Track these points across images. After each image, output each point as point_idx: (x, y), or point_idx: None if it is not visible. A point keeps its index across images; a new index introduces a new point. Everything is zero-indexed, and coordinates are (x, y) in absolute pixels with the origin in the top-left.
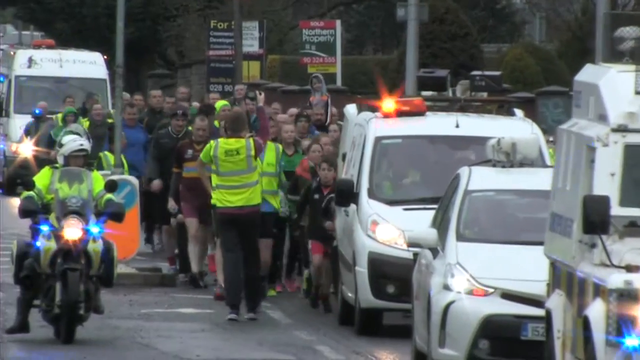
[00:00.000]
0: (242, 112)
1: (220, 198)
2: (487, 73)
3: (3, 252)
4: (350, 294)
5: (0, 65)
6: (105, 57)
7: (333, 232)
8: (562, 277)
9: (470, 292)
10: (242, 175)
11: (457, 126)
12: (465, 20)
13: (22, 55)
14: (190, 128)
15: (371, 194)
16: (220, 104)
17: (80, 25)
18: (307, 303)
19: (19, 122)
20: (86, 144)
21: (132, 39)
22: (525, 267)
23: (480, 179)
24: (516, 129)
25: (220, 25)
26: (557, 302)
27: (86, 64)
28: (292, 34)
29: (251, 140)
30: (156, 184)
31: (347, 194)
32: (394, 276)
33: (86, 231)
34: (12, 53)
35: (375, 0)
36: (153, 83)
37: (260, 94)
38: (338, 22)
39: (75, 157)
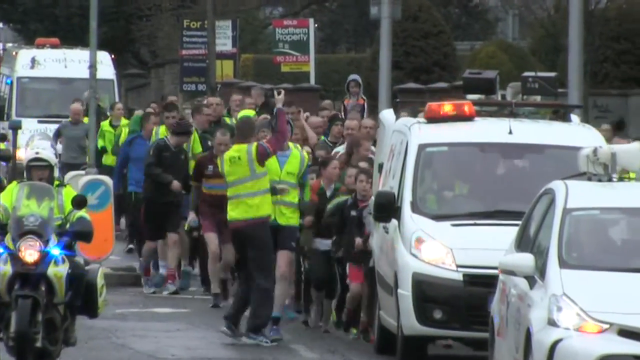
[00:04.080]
0: (251, 118)
1: (228, 212)
2: (540, 74)
3: None
4: (390, 320)
5: (2, 65)
6: (112, 56)
7: (366, 249)
8: None
9: (580, 329)
10: (245, 183)
11: (510, 132)
12: (439, 18)
13: (24, 56)
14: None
15: (415, 208)
16: (244, 113)
17: (53, 26)
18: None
19: (22, 126)
20: (45, 153)
21: (105, 39)
22: None
23: (580, 195)
24: (576, 136)
25: (193, 25)
26: None
27: None
28: (265, 33)
29: (254, 144)
30: (176, 184)
31: (388, 208)
32: (442, 300)
33: (45, 253)
34: (14, 53)
35: None
36: (127, 83)
37: (279, 93)
38: (311, 21)
39: (35, 168)
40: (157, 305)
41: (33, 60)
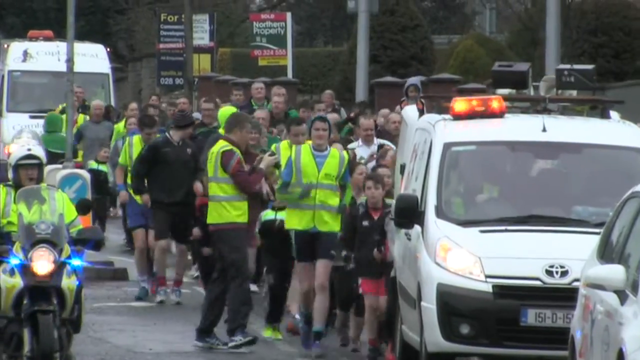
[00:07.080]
0: (242, 113)
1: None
2: (577, 67)
3: None
4: (413, 336)
5: None
6: (108, 49)
7: (385, 260)
8: None
9: None
10: (210, 182)
11: (544, 130)
12: (416, 11)
13: (16, 48)
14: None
15: (439, 213)
16: (227, 111)
17: (31, 20)
18: None
19: (13, 121)
20: (37, 150)
21: (82, 33)
22: None
23: None
24: (616, 133)
25: (171, 18)
26: None
27: (87, 57)
28: (242, 27)
29: (222, 151)
30: (145, 198)
31: (410, 213)
32: (469, 313)
33: (61, 264)
34: (5, 46)
35: None
36: None
37: (272, 154)
38: (289, 15)
39: (25, 166)
40: (134, 300)
41: (25, 53)
